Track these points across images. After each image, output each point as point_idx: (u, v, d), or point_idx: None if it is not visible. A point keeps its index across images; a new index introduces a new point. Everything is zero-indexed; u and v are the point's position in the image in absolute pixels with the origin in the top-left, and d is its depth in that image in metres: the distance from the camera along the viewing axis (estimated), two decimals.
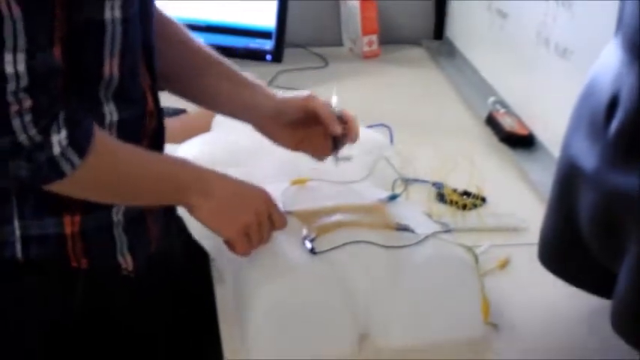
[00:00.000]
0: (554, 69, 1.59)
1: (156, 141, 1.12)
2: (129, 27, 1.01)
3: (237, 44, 2.05)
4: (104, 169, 1.00)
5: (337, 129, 1.23)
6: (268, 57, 2.06)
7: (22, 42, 0.89)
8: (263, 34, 2.06)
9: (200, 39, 1.25)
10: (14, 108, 0.90)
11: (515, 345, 1.14)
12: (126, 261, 1.11)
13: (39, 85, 0.91)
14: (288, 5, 2.05)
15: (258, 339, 1.09)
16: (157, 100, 1.12)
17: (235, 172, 1.33)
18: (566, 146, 1.10)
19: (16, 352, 1.10)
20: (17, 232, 1.04)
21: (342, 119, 1.24)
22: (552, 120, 1.60)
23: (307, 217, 1.18)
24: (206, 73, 1.23)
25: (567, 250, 1.12)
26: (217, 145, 1.47)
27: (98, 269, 1.09)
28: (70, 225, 1.05)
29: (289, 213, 1.19)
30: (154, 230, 1.15)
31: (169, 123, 1.66)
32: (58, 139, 0.94)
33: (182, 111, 1.74)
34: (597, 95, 1.02)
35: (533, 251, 1.18)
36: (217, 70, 1.24)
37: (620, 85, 0.97)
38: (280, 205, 1.18)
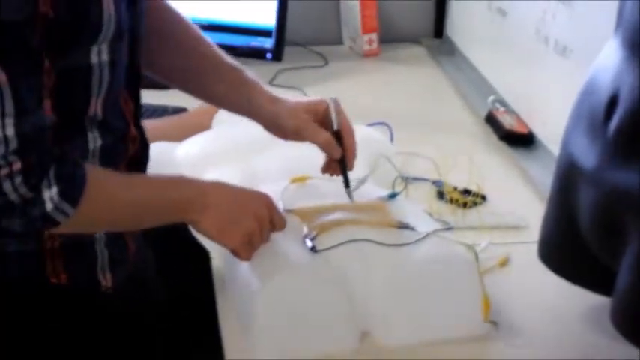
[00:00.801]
0: (554, 67, 1.59)
1: (137, 164, 1.12)
2: (116, 68, 1.02)
3: (238, 43, 2.05)
4: (100, 209, 1.00)
5: (337, 154, 1.21)
6: (268, 55, 2.06)
7: (9, 107, 0.89)
8: (263, 33, 2.06)
9: (208, 38, 1.25)
10: (4, 171, 0.91)
11: (516, 343, 1.14)
12: (105, 278, 1.11)
13: (28, 146, 0.91)
14: (288, 4, 2.05)
15: (260, 338, 1.09)
16: (139, 126, 1.12)
17: (235, 170, 1.34)
18: (566, 144, 1.10)
19: None
20: None
21: (339, 135, 1.21)
22: (552, 118, 1.61)
23: (308, 215, 1.18)
24: (207, 76, 1.23)
25: (567, 248, 1.12)
26: (217, 143, 1.47)
27: (77, 286, 1.08)
28: (50, 240, 1.05)
29: (289, 211, 1.19)
30: (132, 246, 1.15)
31: (169, 121, 1.67)
32: (50, 195, 0.94)
33: (182, 109, 1.74)
34: (597, 93, 1.02)
35: (533, 249, 1.18)
36: (220, 73, 1.22)
37: (620, 83, 0.97)
38: (280, 204, 1.18)
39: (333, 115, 1.21)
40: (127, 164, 1.10)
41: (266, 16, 2.05)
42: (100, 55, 0.98)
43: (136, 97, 1.11)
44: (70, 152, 1.00)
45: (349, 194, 1.22)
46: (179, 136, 1.51)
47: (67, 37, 0.93)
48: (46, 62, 0.93)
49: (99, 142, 1.04)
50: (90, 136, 1.03)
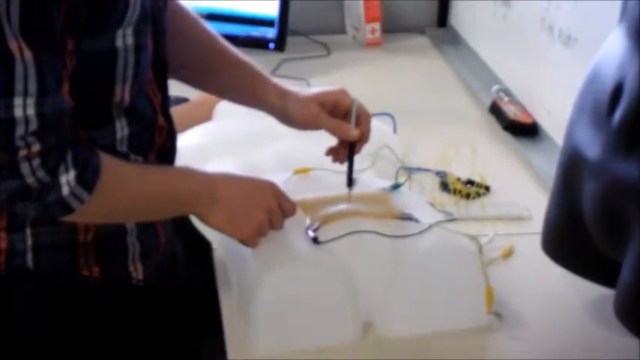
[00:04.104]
0: (558, 57, 1.58)
1: (165, 155, 1.12)
2: (141, 53, 1.01)
3: (240, 32, 2.04)
4: (113, 198, 1.00)
5: (352, 133, 1.19)
6: (271, 45, 2.06)
7: (32, 86, 0.89)
8: (266, 22, 2.05)
9: (214, 30, 1.24)
10: (22, 153, 0.90)
11: (518, 334, 1.14)
12: (136, 269, 1.11)
13: (48, 128, 0.91)
14: None
15: (261, 328, 1.09)
16: (167, 116, 1.11)
17: (236, 162, 1.33)
18: (570, 134, 1.09)
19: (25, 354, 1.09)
20: (29, 241, 1.03)
21: (357, 121, 1.20)
22: (556, 108, 1.60)
23: (310, 206, 1.18)
24: (215, 70, 1.22)
25: (570, 239, 1.12)
26: (218, 135, 1.47)
27: (108, 278, 1.08)
28: (83, 232, 1.05)
29: None
30: (163, 237, 1.15)
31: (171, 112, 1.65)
32: (67, 179, 0.94)
33: (184, 100, 1.73)
34: (601, 83, 1.02)
35: (537, 240, 1.18)
36: (228, 67, 1.22)
37: (625, 73, 0.97)
38: None
39: (353, 111, 1.20)
40: (157, 155, 1.10)
41: (269, 5, 2.04)
42: (124, 38, 0.98)
43: (164, 88, 1.11)
44: (98, 140, 1.01)
45: (349, 193, 1.21)
46: (180, 126, 1.51)
47: (93, 19, 0.94)
48: (69, 44, 0.93)
49: (126, 131, 1.04)
50: (117, 124, 1.03)
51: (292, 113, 1.20)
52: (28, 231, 1.03)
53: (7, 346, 1.08)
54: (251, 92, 1.22)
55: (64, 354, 1.10)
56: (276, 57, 2.06)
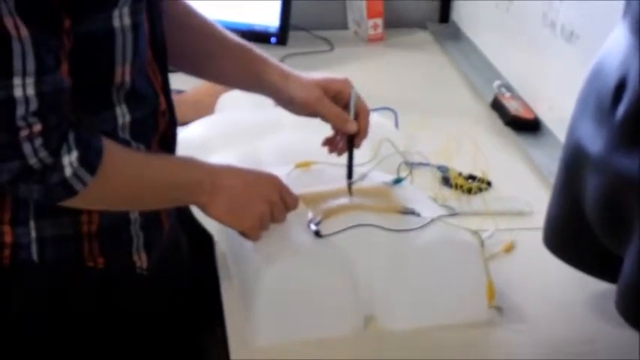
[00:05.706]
0: (561, 52, 1.58)
1: (167, 140, 1.12)
2: (139, 32, 1.01)
3: (242, 26, 2.04)
4: (115, 182, 1.00)
5: (351, 127, 1.20)
6: (273, 39, 2.06)
7: (31, 65, 0.89)
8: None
9: (212, 19, 1.24)
10: (24, 132, 0.90)
11: (519, 328, 1.14)
12: (140, 259, 1.11)
13: (48, 107, 0.91)
14: None
15: (262, 322, 1.09)
16: (169, 100, 1.11)
17: (238, 155, 1.33)
18: (573, 129, 1.09)
19: (28, 349, 1.09)
20: (33, 234, 1.03)
21: (355, 115, 1.20)
22: (558, 103, 1.60)
23: (312, 200, 1.18)
24: (215, 56, 1.21)
25: (572, 234, 1.12)
26: (220, 128, 1.47)
27: (113, 268, 1.08)
28: (87, 224, 1.05)
29: None
30: (166, 225, 1.15)
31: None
32: (69, 160, 0.94)
33: (182, 92, 1.73)
34: (604, 78, 1.02)
35: (539, 235, 1.18)
36: (228, 52, 1.22)
37: (628, 68, 0.97)
38: None
39: (352, 103, 1.20)
40: (158, 144, 1.10)
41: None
42: (121, 18, 0.98)
43: (164, 69, 1.10)
44: (98, 126, 1.01)
45: (349, 186, 1.21)
46: (181, 117, 1.51)
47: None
48: (65, 23, 0.92)
49: (128, 117, 1.04)
50: (118, 110, 1.03)
51: (294, 94, 1.19)
52: (32, 224, 1.03)
53: (7, 345, 1.08)
54: (252, 74, 1.21)
55: (65, 351, 1.10)
56: (279, 52, 2.05)
